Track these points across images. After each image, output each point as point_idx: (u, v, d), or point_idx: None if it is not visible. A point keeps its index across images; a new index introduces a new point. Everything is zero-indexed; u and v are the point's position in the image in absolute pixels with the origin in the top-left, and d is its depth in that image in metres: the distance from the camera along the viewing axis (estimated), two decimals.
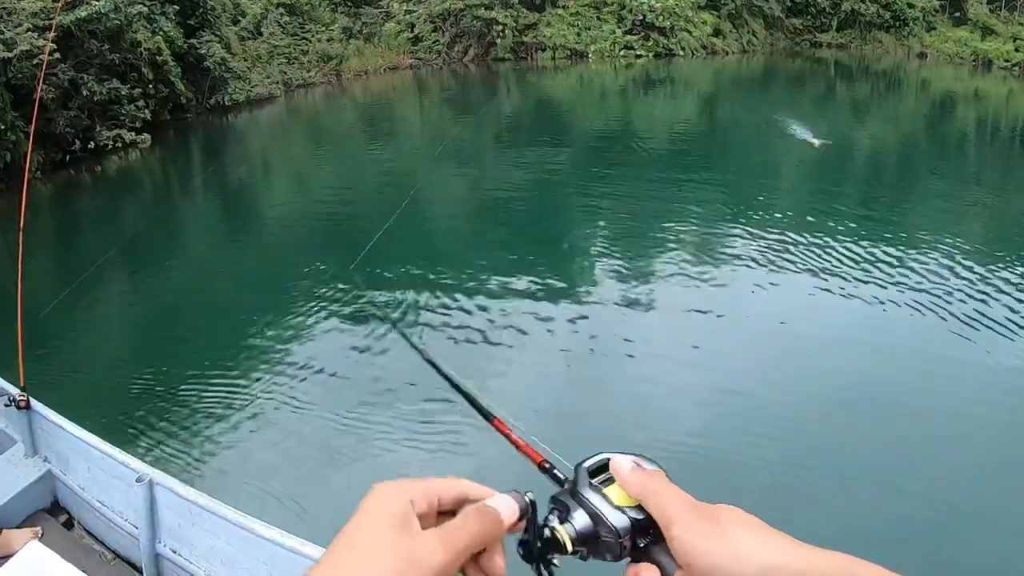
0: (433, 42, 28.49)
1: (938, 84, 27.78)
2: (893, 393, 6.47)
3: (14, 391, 3.79)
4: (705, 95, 25.41)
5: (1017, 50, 29.45)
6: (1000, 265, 9.31)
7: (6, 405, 3.81)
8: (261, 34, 24.78)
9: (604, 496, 0.63)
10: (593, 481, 0.65)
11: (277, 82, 23.60)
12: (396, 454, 5.72)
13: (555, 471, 0.71)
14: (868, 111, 22.89)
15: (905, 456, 5.61)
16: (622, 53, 29.71)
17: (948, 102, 24.45)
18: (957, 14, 32.35)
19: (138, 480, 3.14)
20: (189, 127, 19.75)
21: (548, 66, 28.50)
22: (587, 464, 0.66)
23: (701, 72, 28.92)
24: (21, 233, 4.28)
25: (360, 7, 28.39)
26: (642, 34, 29.95)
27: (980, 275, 8.96)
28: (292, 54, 25.08)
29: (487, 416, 0.83)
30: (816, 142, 15.85)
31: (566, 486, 0.66)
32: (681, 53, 30.22)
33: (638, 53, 29.72)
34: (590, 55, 29.41)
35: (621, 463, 0.64)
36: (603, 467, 0.66)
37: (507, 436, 0.78)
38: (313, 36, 26.02)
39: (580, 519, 0.63)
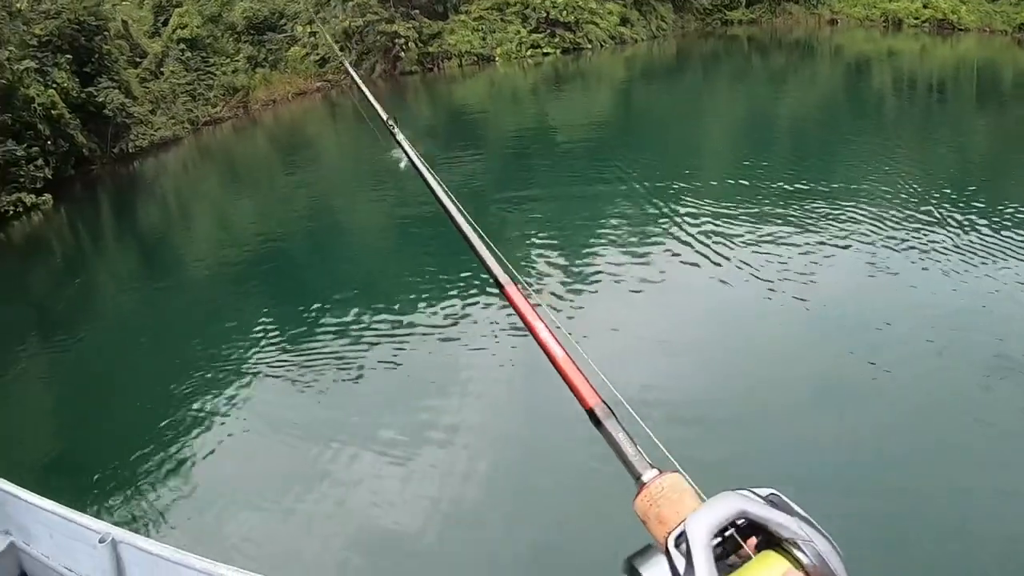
0: (340, 62, 28.41)
1: (851, 48, 28.66)
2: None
3: None
4: (617, 85, 26.03)
5: (926, 7, 30.59)
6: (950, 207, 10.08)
7: None
8: (163, 73, 24.22)
9: None
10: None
11: (183, 122, 23.11)
12: (358, 493, 5.91)
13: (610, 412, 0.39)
14: (785, 81, 23.71)
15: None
16: (529, 53, 30.16)
17: (863, 64, 25.47)
18: None
19: (100, 541, 3.16)
20: (96, 179, 19.21)
21: (456, 74, 28.75)
22: (705, 523, 0.37)
23: (611, 63, 29.45)
24: None
25: (263, 34, 28.01)
26: (548, 31, 30.44)
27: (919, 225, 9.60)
28: (196, 90, 24.56)
29: (499, 284, 0.50)
30: None
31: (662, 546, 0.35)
32: (589, 46, 30.81)
33: (545, 51, 30.21)
34: (497, 58, 29.82)
35: None
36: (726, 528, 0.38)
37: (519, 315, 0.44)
38: (218, 69, 25.54)
39: None
